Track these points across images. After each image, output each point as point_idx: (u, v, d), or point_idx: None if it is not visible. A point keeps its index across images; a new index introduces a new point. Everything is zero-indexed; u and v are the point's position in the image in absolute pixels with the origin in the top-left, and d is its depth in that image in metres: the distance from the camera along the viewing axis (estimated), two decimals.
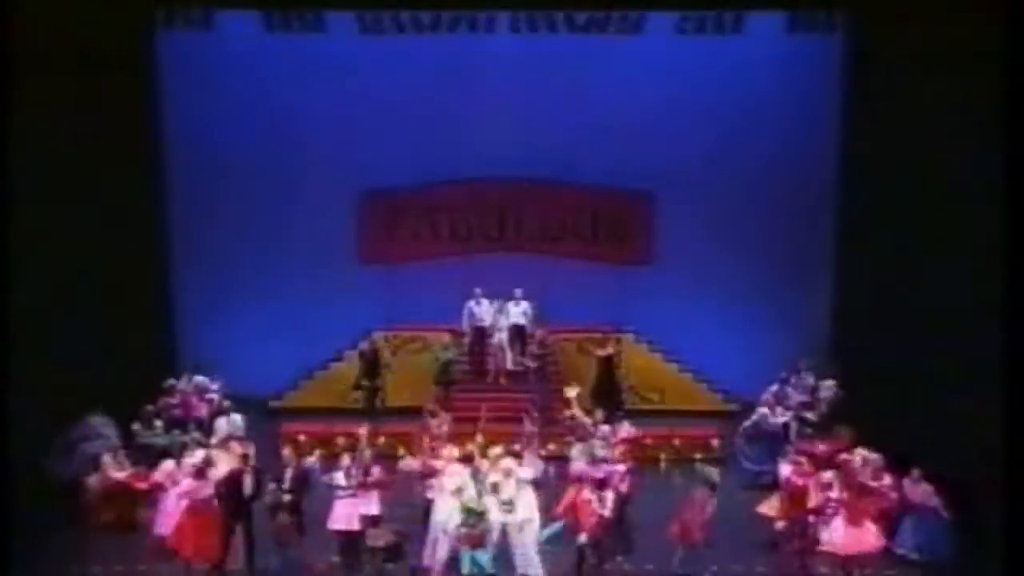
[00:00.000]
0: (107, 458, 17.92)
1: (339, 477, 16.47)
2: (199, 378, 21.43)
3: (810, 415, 20.83)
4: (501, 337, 23.52)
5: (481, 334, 23.59)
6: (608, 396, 22.67)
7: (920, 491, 16.68)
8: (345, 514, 16.32)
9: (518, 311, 23.60)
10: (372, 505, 16.56)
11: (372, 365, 22.83)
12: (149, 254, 23.07)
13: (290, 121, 24.03)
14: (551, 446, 22.36)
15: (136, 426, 19.62)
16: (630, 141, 23.87)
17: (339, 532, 16.37)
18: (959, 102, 18.66)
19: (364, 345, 23.10)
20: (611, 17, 23.60)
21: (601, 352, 23.10)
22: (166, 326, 23.75)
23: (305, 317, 23.83)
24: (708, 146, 23.96)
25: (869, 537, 15.75)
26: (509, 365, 23.45)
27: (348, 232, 24.69)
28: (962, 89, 18.52)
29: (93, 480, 17.92)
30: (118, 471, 18.04)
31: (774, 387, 21.23)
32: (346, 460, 16.75)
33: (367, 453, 17.22)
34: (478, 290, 23.65)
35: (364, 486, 16.47)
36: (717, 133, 23.91)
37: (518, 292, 23.65)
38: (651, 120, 23.87)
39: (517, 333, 23.57)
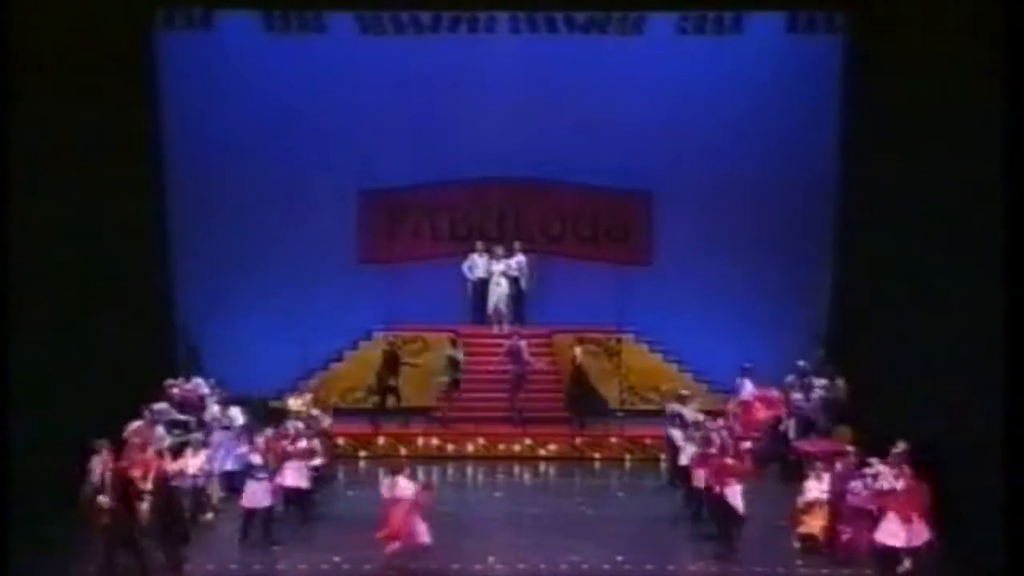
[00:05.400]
0: (98, 459, 17.80)
1: (255, 457, 17.27)
2: (198, 379, 21.47)
3: (813, 415, 20.84)
4: (499, 292, 24.17)
5: (482, 284, 24.34)
6: (583, 401, 22.80)
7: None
8: (257, 493, 16.98)
9: (510, 262, 24.24)
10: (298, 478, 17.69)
11: (391, 364, 22.98)
12: (149, 254, 23.03)
13: (290, 121, 24.05)
14: (551, 446, 22.53)
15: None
16: (630, 141, 23.89)
17: (248, 510, 16.97)
18: (959, 102, 18.65)
19: (384, 346, 23.38)
20: (611, 17, 23.60)
21: (576, 356, 23.13)
22: (166, 326, 23.73)
23: (305, 317, 23.82)
24: (708, 146, 23.97)
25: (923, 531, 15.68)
26: (504, 308, 24.15)
27: (348, 232, 24.70)
28: (962, 89, 18.51)
29: (88, 481, 17.83)
30: None
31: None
32: (260, 441, 17.56)
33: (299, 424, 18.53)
34: (479, 244, 24.14)
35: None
36: (717, 133, 23.92)
37: (516, 245, 24.23)
38: (651, 120, 23.89)
39: (509, 282, 24.26)
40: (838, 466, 16.82)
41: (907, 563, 15.57)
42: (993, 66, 16.21)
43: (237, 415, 19.74)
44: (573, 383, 22.99)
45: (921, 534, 15.56)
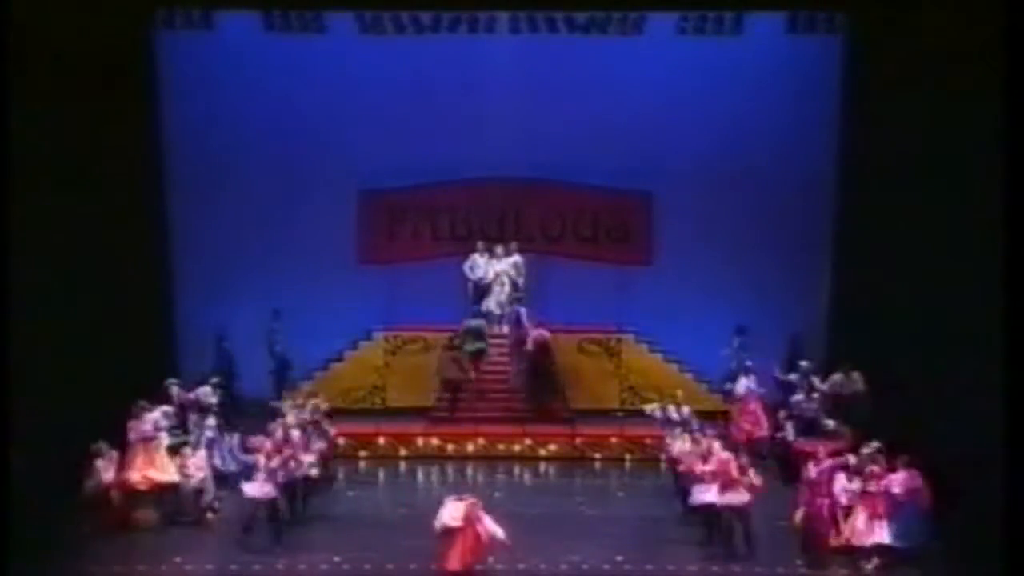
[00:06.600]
0: (100, 462, 17.85)
1: (260, 460, 17.19)
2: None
3: (813, 415, 20.80)
4: (498, 287, 24.11)
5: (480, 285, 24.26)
6: (544, 390, 22.86)
7: (904, 479, 16.57)
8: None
9: (508, 262, 24.14)
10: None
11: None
12: (149, 254, 23.06)
13: (290, 121, 24.05)
14: (551, 446, 22.53)
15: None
16: (630, 141, 23.88)
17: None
18: (958, 102, 18.67)
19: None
20: (611, 17, 23.58)
21: (533, 340, 23.05)
22: (166, 326, 23.75)
23: (305, 317, 23.82)
24: (708, 146, 23.96)
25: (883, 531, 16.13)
26: (499, 309, 23.98)
27: (348, 232, 24.69)
28: (961, 89, 18.53)
29: (89, 483, 17.86)
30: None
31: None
32: (268, 445, 17.52)
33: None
34: (480, 244, 24.17)
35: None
36: (717, 133, 23.91)
37: (513, 245, 24.21)
38: (651, 120, 23.88)
39: (511, 283, 24.16)
40: (816, 467, 16.83)
41: (875, 560, 15.92)
42: (993, 66, 16.22)
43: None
44: (532, 369, 23.08)
45: (885, 533, 15.97)
